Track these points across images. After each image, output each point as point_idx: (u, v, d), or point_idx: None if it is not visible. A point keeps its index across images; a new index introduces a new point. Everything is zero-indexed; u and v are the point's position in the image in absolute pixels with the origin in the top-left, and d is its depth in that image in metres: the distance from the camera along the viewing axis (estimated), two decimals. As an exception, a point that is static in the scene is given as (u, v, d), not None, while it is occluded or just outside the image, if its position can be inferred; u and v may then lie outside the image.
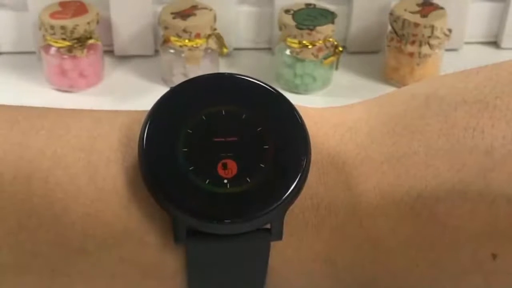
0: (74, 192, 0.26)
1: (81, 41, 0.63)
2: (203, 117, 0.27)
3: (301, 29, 0.63)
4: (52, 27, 0.62)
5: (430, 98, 0.28)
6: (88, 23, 0.63)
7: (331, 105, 0.31)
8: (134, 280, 0.28)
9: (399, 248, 0.27)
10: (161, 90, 0.28)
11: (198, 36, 0.63)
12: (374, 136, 0.28)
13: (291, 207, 0.27)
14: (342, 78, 0.68)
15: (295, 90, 0.66)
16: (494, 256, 0.26)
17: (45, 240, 0.26)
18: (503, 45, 0.72)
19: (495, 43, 0.73)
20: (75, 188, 0.26)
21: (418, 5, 0.66)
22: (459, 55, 0.72)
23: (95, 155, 0.27)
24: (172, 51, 0.64)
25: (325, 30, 0.64)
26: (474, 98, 0.27)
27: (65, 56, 0.63)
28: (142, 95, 0.65)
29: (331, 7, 0.67)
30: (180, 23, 0.63)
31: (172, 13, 0.64)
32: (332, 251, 0.28)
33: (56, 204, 0.26)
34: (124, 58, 0.70)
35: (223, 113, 0.27)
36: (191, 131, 0.27)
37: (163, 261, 0.27)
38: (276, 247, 0.27)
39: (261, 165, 0.26)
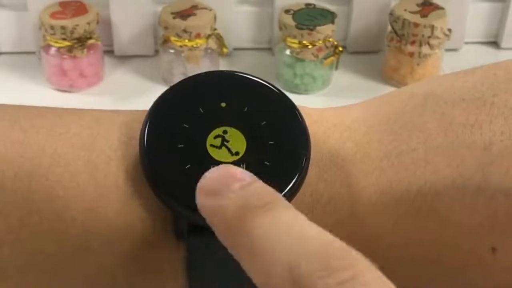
0: (75, 189, 0.26)
1: (81, 41, 0.63)
2: (203, 114, 0.27)
3: (301, 29, 0.63)
4: (52, 27, 0.62)
5: (428, 97, 0.28)
6: (88, 23, 0.63)
7: (331, 105, 0.31)
8: (135, 276, 0.28)
9: (399, 243, 0.27)
10: (161, 90, 0.28)
11: (198, 36, 0.63)
12: (373, 134, 0.28)
13: (291, 204, 0.27)
14: (342, 78, 0.68)
15: (295, 90, 0.66)
16: (493, 250, 0.26)
17: (46, 237, 0.27)
18: (503, 45, 0.73)
19: (495, 43, 0.74)
20: (75, 185, 0.27)
21: (418, 5, 0.66)
22: (459, 55, 0.72)
23: (96, 153, 0.27)
24: (172, 51, 0.64)
25: (325, 30, 0.64)
26: (472, 96, 0.28)
27: (65, 56, 0.63)
28: (142, 95, 0.65)
29: (331, 7, 0.67)
30: (180, 23, 0.63)
31: (172, 13, 0.64)
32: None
33: (57, 201, 0.26)
34: (124, 58, 0.70)
35: (224, 109, 0.27)
36: (191, 128, 0.27)
37: (164, 257, 0.27)
38: None
39: (262, 161, 0.26)
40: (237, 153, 0.26)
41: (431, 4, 0.66)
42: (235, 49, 0.71)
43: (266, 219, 0.22)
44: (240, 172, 0.23)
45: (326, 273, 0.20)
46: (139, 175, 0.27)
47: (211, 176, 0.24)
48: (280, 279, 0.20)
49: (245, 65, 0.70)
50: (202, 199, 0.23)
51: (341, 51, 0.66)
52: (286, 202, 0.23)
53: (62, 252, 0.27)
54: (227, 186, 0.23)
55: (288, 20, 0.64)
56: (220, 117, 0.27)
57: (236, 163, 0.26)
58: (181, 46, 0.63)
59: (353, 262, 0.20)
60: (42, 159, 0.27)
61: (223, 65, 0.68)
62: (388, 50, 0.67)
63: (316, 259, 0.20)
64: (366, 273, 0.20)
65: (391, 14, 0.66)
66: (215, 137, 0.27)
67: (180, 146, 0.26)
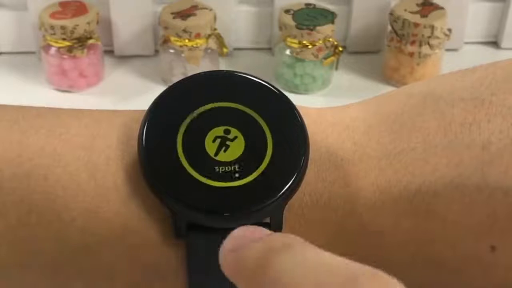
0: (74, 189, 0.26)
1: (81, 41, 0.63)
2: (202, 113, 0.27)
3: (301, 29, 0.63)
4: (52, 27, 0.62)
5: (427, 96, 0.29)
6: (88, 23, 0.63)
7: (331, 105, 0.31)
8: (135, 276, 0.28)
9: (398, 243, 0.27)
10: (161, 90, 0.28)
11: (198, 36, 0.63)
12: (372, 134, 0.28)
13: (291, 204, 0.27)
14: (342, 78, 0.68)
15: (295, 90, 0.66)
16: (493, 248, 0.26)
17: (45, 237, 0.27)
18: (503, 45, 0.72)
19: (495, 43, 0.73)
20: (75, 185, 0.27)
21: (418, 5, 0.66)
22: (459, 55, 0.72)
23: (95, 154, 0.27)
24: (172, 51, 0.64)
25: (325, 30, 0.64)
26: (471, 96, 0.28)
27: (65, 56, 0.63)
28: (142, 95, 0.65)
29: (331, 7, 0.67)
30: (180, 23, 0.63)
31: (172, 13, 0.64)
32: (332, 247, 0.28)
33: (56, 201, 0.26)
34: (124, 58, 0.70)
35: (223, 109, 0.27)
36: (190, 127, 0.27)
37: (163, 257, 0.27)
38: None
39: (260, 160, 0.26)
40: (236, 153, 0.26)
41: (431, 4, 0.66)
42: (235, 49, 0.71)
43: (287, 257, 0.21)
44: (262, 230, 0.23)
45: None
46: (138, 175, 0.27)
47: (234, 236, 0.23)
48: None
49: (245, 65, 0.70)
50: (225, 258, 0.23)
51: (341, 51, 0.66)
52: (304, 240, 0.23)
53: (61, 252, 0.27)
54: (249, 241, 0.23)
55: (288, 20, 0.64)
56: (218, 117, 0.27)
57: (234, 163, 0.26)
58: (181, 46, 0.63)
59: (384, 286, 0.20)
60: (41, 159, 0.27)
61: (223, 65, 0.68)
62: (388, 50, 0.67)
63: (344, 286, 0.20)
64: None
65: (391, 14, 0.66)
66: (214, 137, 0.27)
67: (177, 145, 0.26)
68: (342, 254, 0.28)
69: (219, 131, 0.27)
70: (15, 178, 0.26)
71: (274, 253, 0.22)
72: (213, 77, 0.28)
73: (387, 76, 0.68)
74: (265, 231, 0.23)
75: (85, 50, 0.64)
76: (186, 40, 0.63)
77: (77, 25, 0.62)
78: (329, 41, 0.65)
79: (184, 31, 0.62)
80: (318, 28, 0.63)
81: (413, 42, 0.65)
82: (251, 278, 0.22)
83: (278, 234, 0.23)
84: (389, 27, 0.67)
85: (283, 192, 0.26)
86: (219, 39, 0.66)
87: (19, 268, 0.27)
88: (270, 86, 0.28)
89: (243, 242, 0.23)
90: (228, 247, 0.23)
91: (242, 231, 0.24)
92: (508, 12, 0.71)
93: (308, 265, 0.21)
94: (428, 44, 0.65)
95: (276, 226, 0.27)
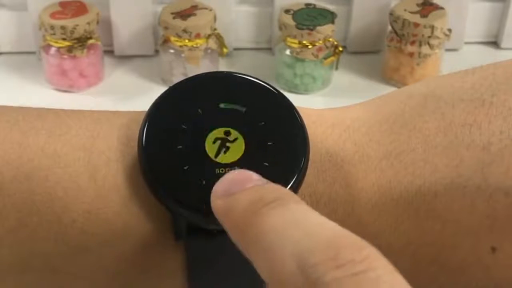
0: (75, 190, 0.26)
1: (81, 41, 0.63)
2: (202, 114, 0.27)
3: (301, 29, 0.63)
4: (52, 27, 0.62)
5: (427, 97, 0.29)
6: (88, 23, 0.63)
7: (331, 105, 0.31)
8: (134, 277, 0.28)
9: (398, 244, 0.27)
10: (161, 90, 0.28)
11: (198, 36, 0.63)
12: (372, 135, 0.28)
13: None
14: (342, 78, 0.68)
15: (295, 90, 0.66)
16: (493, 249, 0.26)
17: (45, 238, 0.27)
18: (503, 45, 0.73)
19: (495, 43, 0.74)
20: (75, 187, 0.27)
21: (418, 5, 0.66)
22: (459, 55, 0.72)
23: (95, 154, 0.27)
24: (172, 51, 0.64)
25: (325, 30, 0.64)
26: (471, 96, 0.28)
27: (65, 56, 0.63)
28: (142, 95, 0.65)
29: (331, 7, 0.67)
30: (180, 23, 0.63)
31: (172, 13, 0.64)
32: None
33: (57, 202, 0.26)
34: (124, 58, 0.70)
35: (223, 110, 0.27)
36: (190, 128, 0.27)
37: (163, 258, 0.27)
38: None
39: (261, 161, 0.26)
40: (236, 155, 0.26)
41: (431, 4, 0.66)
42: (235, 49, 0.71)
43: (276, 213, 0.22)
44: (255, 175, 0.24)
45: (335, 264, 0.20)
46: (139, 176, 0.27)
47: (226, 179, 0.24)
48: (290, 272, 0.20)
49: (245, 65, 0.70)
50: (216, 201, 0.24)
51: (341, 51, 0.66)
52: (298, 198, 0.23)
53: (62, 253, 0.27)
54: (241, 186, 0.23)
55: (288, 20, 0.64)
56: (219, 118, 0.27)
57: (234, 165, 0.26)
58: (181, 46, 0.63)
59: (365, 256, 0.20)
60: (41, 160, 0.27)
61: (223, 65, 0.68)
62: (388, 50, 0.67)
63: (326, 251, 0.20)
64: (379, 268, 0.20)
65: (391, 14, 0.66)
66: (214, 138, 0.27)
67: (179, 147, 0.26)
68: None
69: (219, 132, 0.27)
70: (16, 179, 0.26)
71: (264, 205, 0.22)
72: (212, 78, 0.28)
73: (387, 76, 0.68)
74: (257, 177, 0.24)
75: (85, 50, 0.64)
76: (186, 40, 0.63)
77: (77, 25, 0.62)
78: (329, 41, 0.65)
79: (184, 31, 0.62)
80: (318, 28, 0.63)
81: (413, 42, 0.65)
82: (239, 225, 0.23)
83: (271, 185, 0.23)
84: (389, 27, 0.67)
85: None
86: (219, 39, 0.66)
87: (19, 269, 0.27)
88: (269, 87, 0.28)
89: (235, 186, 0.23)
90: (219, 189, 0.24)
91: (234, 175, 0.24)
92: (508, 12, 0.71)
93: (295, 224, 0.21)
94: (428, 44, 0.65)
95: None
